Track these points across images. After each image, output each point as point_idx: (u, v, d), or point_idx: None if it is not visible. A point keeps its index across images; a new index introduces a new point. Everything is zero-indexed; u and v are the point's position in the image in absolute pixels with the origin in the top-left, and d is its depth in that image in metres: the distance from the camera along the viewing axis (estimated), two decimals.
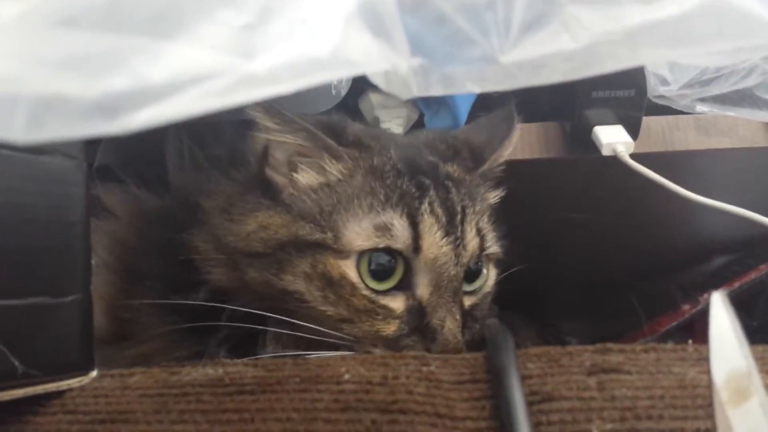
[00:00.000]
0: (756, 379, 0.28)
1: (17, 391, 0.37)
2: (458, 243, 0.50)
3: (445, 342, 0.47)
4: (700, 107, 0.57)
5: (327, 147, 0.50)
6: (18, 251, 0.38)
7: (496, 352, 0.38)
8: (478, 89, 0.31)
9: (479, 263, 0.53)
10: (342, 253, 0.48)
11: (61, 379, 0.40)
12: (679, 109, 0.58)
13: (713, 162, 0.63)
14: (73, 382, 0.41)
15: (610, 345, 0.38)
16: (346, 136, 0.51)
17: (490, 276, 0.55)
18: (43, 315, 0.38)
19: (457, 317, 0.49)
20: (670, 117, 0.63)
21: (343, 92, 0.64)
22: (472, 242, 0.51)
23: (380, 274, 0.48)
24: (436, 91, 0.32)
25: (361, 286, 0.48)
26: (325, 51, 0.23)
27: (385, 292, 0.48)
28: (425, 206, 0.49)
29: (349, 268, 0.48)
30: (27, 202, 0.38)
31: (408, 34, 0.29)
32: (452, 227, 0.50)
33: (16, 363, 0.36)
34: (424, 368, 0.39)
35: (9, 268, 0.37)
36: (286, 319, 0.48)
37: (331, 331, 0.48)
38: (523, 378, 0.36)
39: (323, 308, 0.48)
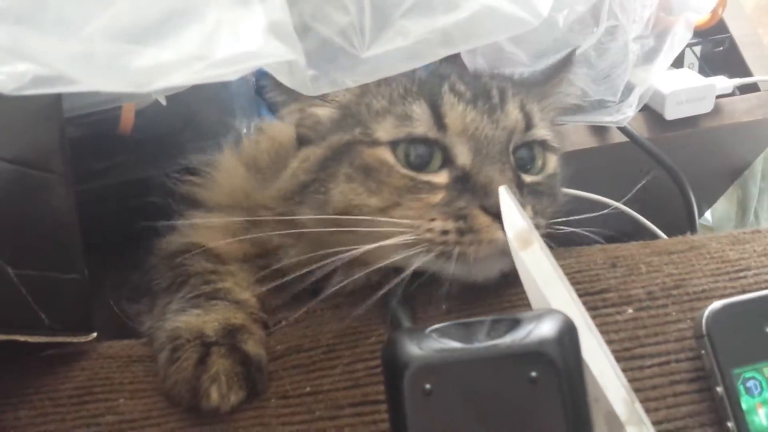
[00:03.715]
0: (534, 232, 0.45)
1: (43, 338, 0.50)
2: (493, 111, 0.51)
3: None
4: None
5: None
6: (37, 239, 0.52)
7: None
8: (352, 84, 0.48)
9: (532, 151, 0.55)
10: (373, 143, 0.51)
11: (71, 335, 0.53)
12: None
13: None
14: (80, 339, 0.53)
15: None
16: None
17: (549, 160, 0.56)
18: (57, 285, 0.52)
19: (509, 173, 0.49)
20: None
21: None
22: (513, 114, 0.52)
23: (420, 164, 0.50)
24: (326, 90, 0.49)
25: (398, 166, 0.50)
26: (255, 47, 0.40)
27: (426, 173, 0.50)
28: (445, 86, 0.52)
29: (383, 153, 0.50)
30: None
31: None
32: (482, 99, 0.52)
33: (43, 317, 0.50)
34: None
35: (33, 250, 0.51)
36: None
37: (384, 226, 0.48)
38: None
39: (369, 201, 0.49)
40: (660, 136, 0.78)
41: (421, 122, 0.51)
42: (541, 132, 0.55)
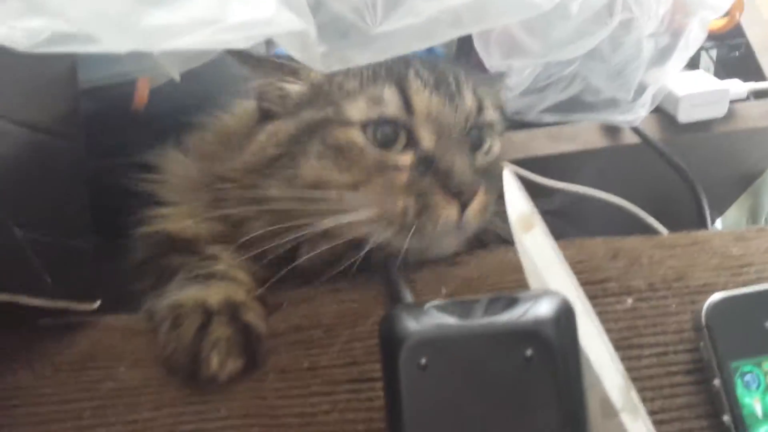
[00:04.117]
0: (536, 216, 0.45)
1: (46, 302, 0.50)
2: (452, 97, 0.55)
3: (459, 175, 0.51)
4: (546, 117, 0.76)
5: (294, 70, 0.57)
6: (46, 203, 0.53)
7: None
8: (364, 61, 0.48)
9: (482, 132, 0.59)
10: (345, 123, 0.53)
11: (75, 301, 0.53)
12: (531, 122, 0.77)
13: (565, 163, 0.81)
14: (83, 306, 0.53)
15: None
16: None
17: (495, 143, 0.60)
18: (63, 250, 0.52)
19: (467, 159, 0.53)
20: (526, 131, 0.75)
21: None
22: (468, 99, 0.56)
23: (386, 142, 0.53)
24: (337, 67, 0.49)
25: (368, 147, 0.53)
26: (268, 16, 0.40)
27: (392, 154, 0.53)
28: (411, 72, 0.55)
29: (354, 133, 0.53)
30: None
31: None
32: (442, 85, 0.55)
33: (48, 280, 0.50)
34: None
35: (41, 213, 0.52)
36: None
37: (351, 201, 0.51)
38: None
39: (339, 178, 0.52)
40: (673, 138, 0.77)
41: (392, 105, 0.54)
42: (490, 115, 0.59)
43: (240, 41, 0.40)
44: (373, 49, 0.48)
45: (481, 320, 0.39)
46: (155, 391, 0.47)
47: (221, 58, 0.66)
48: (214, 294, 0.50)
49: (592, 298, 0.46)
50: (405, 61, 0.57)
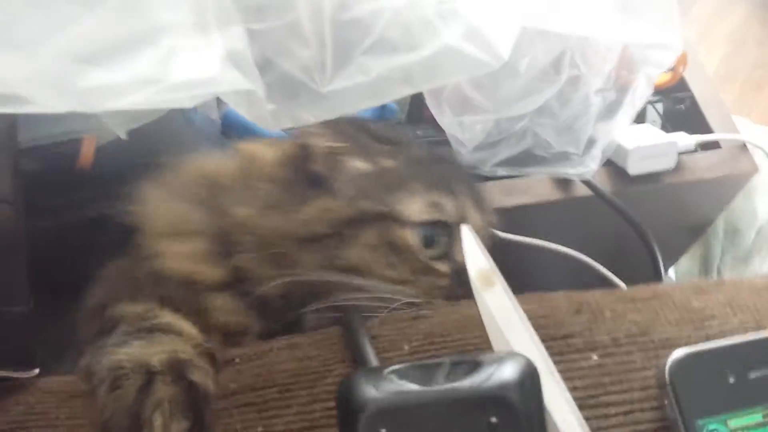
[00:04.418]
0: (497, 272, 0.44)
1: None
2: (485, 216, 0.60)
3: None
4: (500, 171, 0.76)
5: (366, 145, 0.58)
6: None
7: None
8: (314, 119, 0.48)
9: None
10: (404, 223, 0.54)
11: (11, 370, 0.49)
12: (486, 175, 0.77)
13: (520, 216, 0.82)
14: (21, 374, 0.50)
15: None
16: (379, 133, 0.61)
17: None
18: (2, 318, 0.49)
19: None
20: (482, 184, 0.80)
21: None
22: (489, 209, 0.62)
23: (429, 243, 0.55)
24: (287, 125, 0.48)
25: (421, 251, 0.54)
26: (212, 74, 0.39)
27: (434, 259, 0.55)
28: (461, 187, 0.58)
29: (409, 236, 0.54)
30: None
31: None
32: (478, 203, 0.60)
33: None
34: None
35: None
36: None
37: (392, 295, 0.52)
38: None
39: (386, 273, 0.53)
40: (624, 190, 0.78)
41: (448, 213, 0.56)
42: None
43: (184, 100, 0.39)
44: (324, 108, 0.47)
45: (443, 386, 0.38)
46: None
47: (169, 116, 0.65)
48: (157, 352, 0.47)
49: (557, 354, 0.45)
50: (450, 171, 0.61)
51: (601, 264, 0.73)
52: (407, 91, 0.47)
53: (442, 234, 0.55)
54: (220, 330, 0.53)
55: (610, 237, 0.79)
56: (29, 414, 0.47)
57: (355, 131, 0.59)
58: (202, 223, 0.57)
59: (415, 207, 0.55)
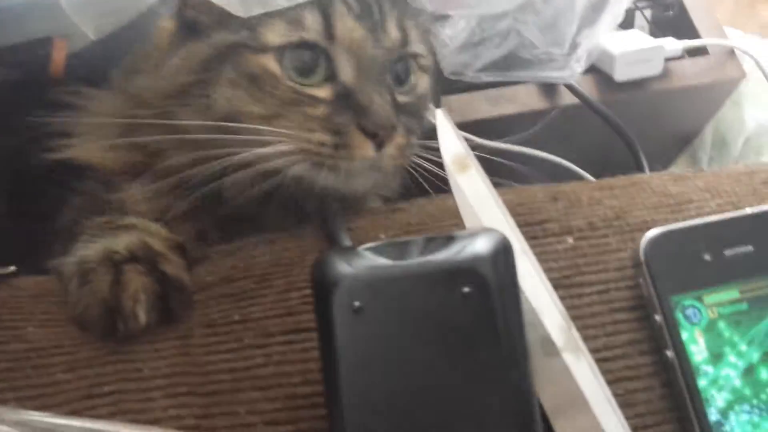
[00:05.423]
0: (471, 157, 0.44)
1: None
2: (376, 27, 0.52)
3: (376, 115, 0.49)
4: (483, 77, 0.75)
5: None
6: None
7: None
8: (285, 3, 0.46)
9: (407, 65, 0.55)
10: (260, 49, 0.50)
11: None
12: (469, 81, 0.76)
13: (505, 125, 0.81)
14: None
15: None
16: None
17: (421, 79, 0.56)
18: None
19: (386, 96, 0.51)
20: (466, 94, 0.74)
21: None
22: (392, 31, 0.53)
23: (304, 71, 0.50)
24: (258, 10, 0.47)
25: (284, 77, 0.50)
26: None
27: (310, 86, 0.50)
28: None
29: (269, 61, 0.50)
30: None
31: None
32: (367, 13, 0.52)
33: None
34: None
35: None
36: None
37: (266, 134, 0.49)
38: None
39: (253, 109, 0.50)
40: (610, 97, 0.77)
41: (312, 29, 0.50)
42: (416, 47, 0.55)
43: None
44: None
45: (416, 260, 0.38)
46: (68, 351, 0.44)
47: (140, 24, 0.63)
48: (124, 242, 0.46)
49: (532, 238, 0.45)
50: None
51: (589, 173, 0.73)
52: None
53: (317, 59, 0.51)
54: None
55: (597, 147, 0.78)
56: (2, 308, 0.47)
57: None
58: (115, 112, 0.55)
59: (272, 30, 0.50)
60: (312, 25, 0.50)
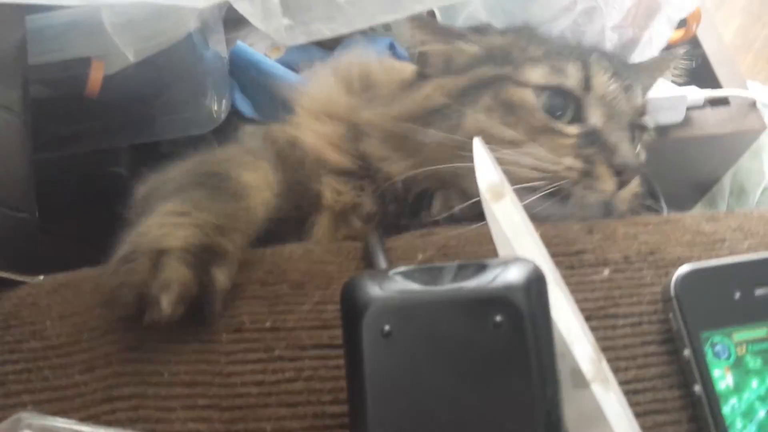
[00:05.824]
0: (507, 186, 0.44)
1: None
2: (627, 89, 0.57)
3: (624, 155, 0.52)
4: None
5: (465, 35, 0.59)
6: None
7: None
8: (329, 34, 0.48)
9: (640, 132, 0.60)
10: (522, 83, 0.55)
11: (17, 273, 0.49)
12: None
13: None
14: (26, 278, 0.49)
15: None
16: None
17: (641, 153, 0.61)
18: (5, 221, 0.50)
19: (631, 143, 0.55)
20: None
21: (223, 116, 0.72)
22: (638, 97, 0.58)
23: (552, 110, 0.55)
24: (302, 39, 0.48)
25: (539, 108, 0.54)
26: None
27: (559, 123, 0.54)
28: (594, 56, 0.57)
29: (527, 94, 0.55)
30: None
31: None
32: (618, 76, 0.57)
33: None
34: None
35: None
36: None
37: (512, 157, 0.51)
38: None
39: (504, 134, 0.53)
40: None
41: (573, 78, 0.55)
42: (648, 120, 0.60)
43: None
44: (339, 22, 0.47)
45: (448, 286, 0.37)
46: (87, 348, 0.42)
47: (179, 49, 0.64)
48: (188, 234, 0.43)
49: (568, 268, 0.46)
50: (588, 48, 0.60)
51: None
52: (423, 7, 0.47)
53: (567, 104, 0.55)
54: (326, 207, 0.57)
55: None
56: (20, 305, 0.46)
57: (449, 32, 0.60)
58: (346, 112, 0.60)
59: (536, 71, 0.55)
60: (573, 75, 0.55)
